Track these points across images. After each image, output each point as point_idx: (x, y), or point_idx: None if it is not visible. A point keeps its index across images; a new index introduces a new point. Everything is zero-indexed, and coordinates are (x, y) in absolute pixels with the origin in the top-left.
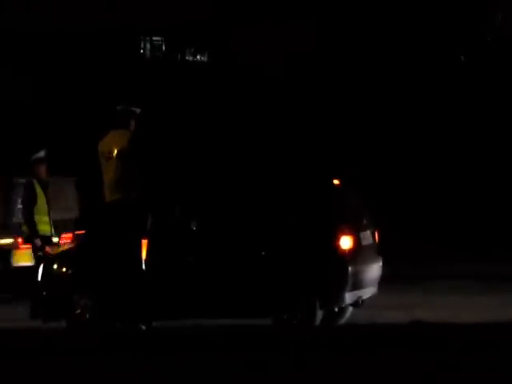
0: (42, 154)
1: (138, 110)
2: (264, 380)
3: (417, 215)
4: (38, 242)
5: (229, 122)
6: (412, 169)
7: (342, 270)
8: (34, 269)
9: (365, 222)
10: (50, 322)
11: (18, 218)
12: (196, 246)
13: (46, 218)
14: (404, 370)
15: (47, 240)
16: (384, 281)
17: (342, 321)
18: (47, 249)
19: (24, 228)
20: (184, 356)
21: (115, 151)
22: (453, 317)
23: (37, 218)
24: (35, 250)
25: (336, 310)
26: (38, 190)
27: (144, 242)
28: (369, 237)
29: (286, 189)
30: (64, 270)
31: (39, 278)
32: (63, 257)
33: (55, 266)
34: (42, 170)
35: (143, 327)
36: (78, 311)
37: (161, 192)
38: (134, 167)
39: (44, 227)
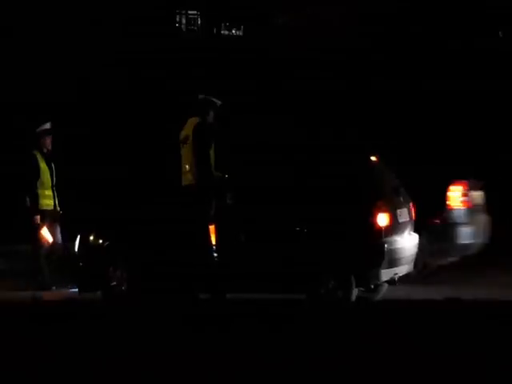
0: (47, 125)
1: (218, 102)
2: (294, 355)
3: None
4: (38, 219)
5: (263, 98)
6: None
7: (378, 247)
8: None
9: (402, 199)
10: (86, 293)
11: None
12: (241, 225)
13: (50, 192)
14: (437, 346)
15: (50, 215)
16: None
17: (378, 297)
18: (43, 231)
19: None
20: (210, 332)
21: (188, 138)
22: (491, 295)
23: (40, 191)
24: (35, 225)
25: (372, 286)
26: (42, 163)
27: (212, 228)
28: (405, 214)
29: (323, 166)
30: (100, 241)
31: (76, 249)
32: (100, 228)
33: (92, 238)
34: (48, 142)
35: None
36: (114, 283)
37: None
38: (195, 154)
39: (47, 201)
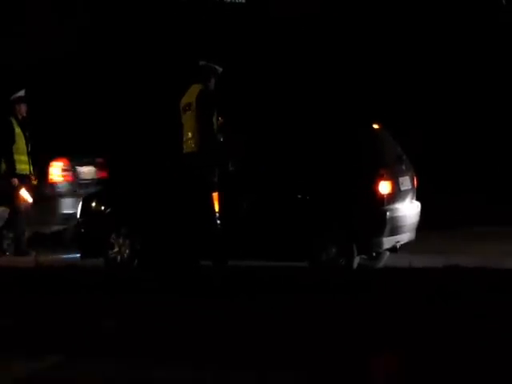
0: (22, 92)
1: (220, 69)
2: (297, 321)
3: (456, 161)
4: (16, 181)
5: (267, 66)
6: (452, 114)
7: (380, 214)
8: (11, 210)
9: (404, 167)
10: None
11: None
12: (244, 192)
13: (25, 158)
14: (437, 314)
15: (26, 179)
16: (421, 226)
17: (379, 265)
18: (22, 192)
19: (3, 166)
20: (216, 298)
21: (191, 105)
22: (489, 263)
23: (15, 157)
24: (13, 189)
25: (373, 254)
26: (17, 129)
27: (215, 195)
28: (408, 182)
29: (326, 133)
30: (103, 208)
31: (78, 215)
32: (102, 195)
33: (94, 204)
34: (23, 109)
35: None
36: (116, 249)
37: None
38: (199, 121)
39: (23, 166)
